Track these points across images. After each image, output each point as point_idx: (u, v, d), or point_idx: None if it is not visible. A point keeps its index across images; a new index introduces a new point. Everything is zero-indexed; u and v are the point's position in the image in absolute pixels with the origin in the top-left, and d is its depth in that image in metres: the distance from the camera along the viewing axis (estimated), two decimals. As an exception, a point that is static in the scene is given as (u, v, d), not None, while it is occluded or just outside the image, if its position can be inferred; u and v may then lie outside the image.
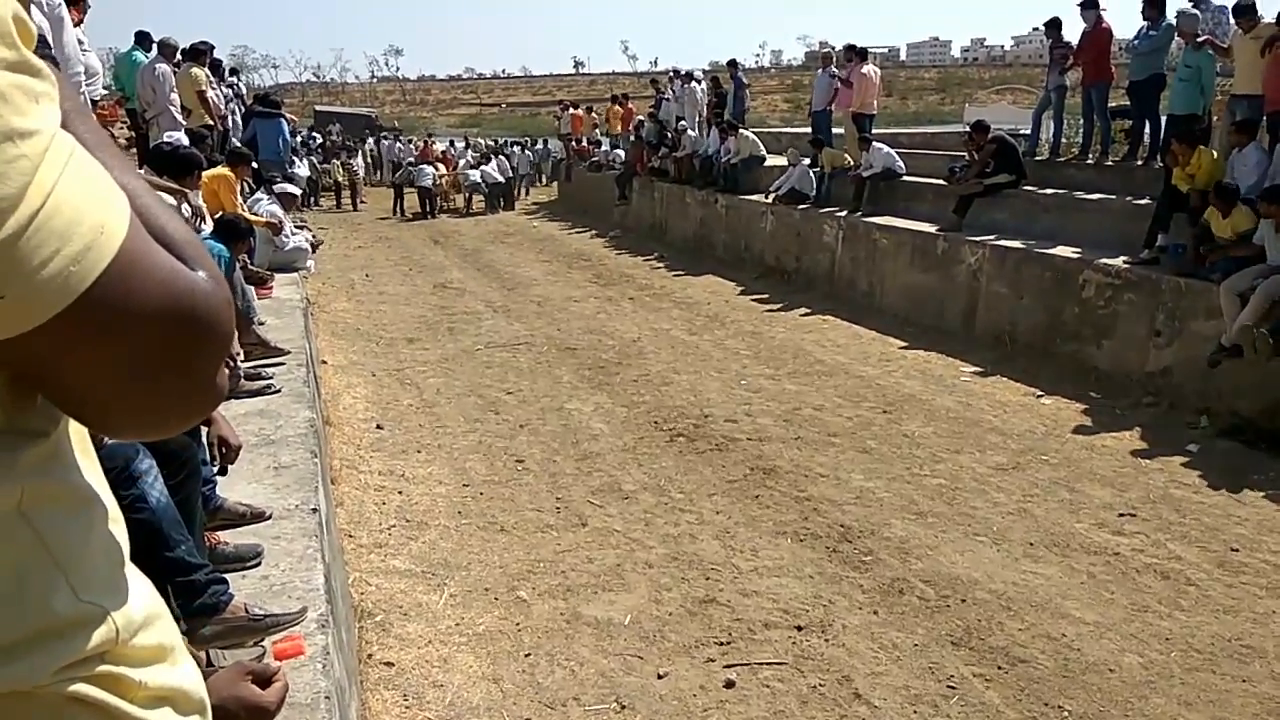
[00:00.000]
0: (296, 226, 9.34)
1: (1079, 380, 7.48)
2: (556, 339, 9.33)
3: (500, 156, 23.21)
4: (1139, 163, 9.42)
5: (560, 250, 15.70)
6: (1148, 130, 9.46)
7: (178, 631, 0.76)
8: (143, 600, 0.71)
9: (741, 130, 14.44)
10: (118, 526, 0.72)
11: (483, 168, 21.78)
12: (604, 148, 20.72)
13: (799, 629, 3.99)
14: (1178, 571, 4.44)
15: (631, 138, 18.48)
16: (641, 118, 19.04)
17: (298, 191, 9.19)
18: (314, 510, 3.27)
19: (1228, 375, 6.41)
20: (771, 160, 14.07)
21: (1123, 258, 7.71)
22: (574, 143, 22.24)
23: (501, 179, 21.78)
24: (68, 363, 0.57)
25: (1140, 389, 7.10)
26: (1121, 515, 5.09)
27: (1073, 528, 4.94)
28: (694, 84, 16.69)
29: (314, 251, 8.90)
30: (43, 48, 0.68)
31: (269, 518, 3.14)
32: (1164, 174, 7.77)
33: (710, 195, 14.49)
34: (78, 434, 0.69)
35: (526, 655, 3.83)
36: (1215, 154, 7.34)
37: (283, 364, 5.14)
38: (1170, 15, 8.80)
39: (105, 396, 0.60)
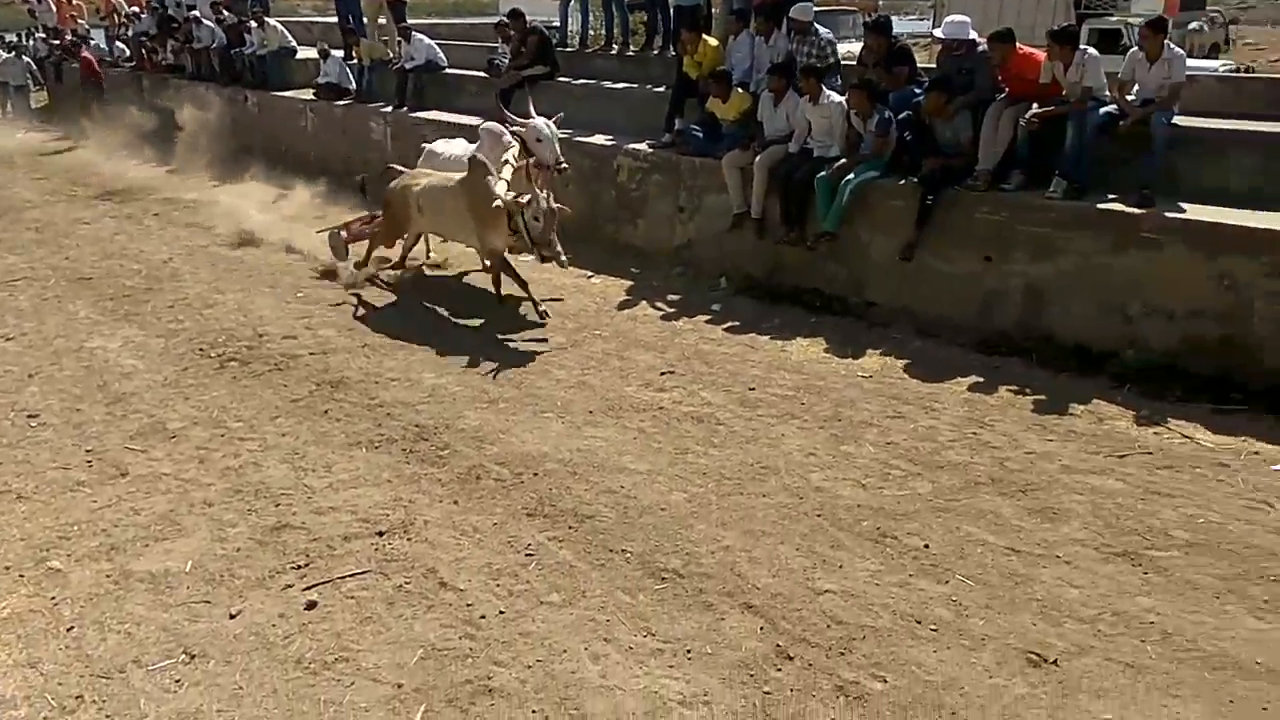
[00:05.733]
0: None
1: (621, 258, 8.08)
2: (65, 269, 8.00)
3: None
4: (654, 52, 10.17)
5: (58, 166, 13.31)
6: (661, 20, 10.21)
7: None
8: None
9: (267, 20, 13.13)
10: None
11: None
12: (97, 43, 17.50)
13: (380, 534, 3.95)
14: (709, 414, 5.09)
15: (126, 31, 15.95)
16: (135, 9, 16.46)
17: None
18: None
19: (738, 242, 7.36)
20: (304, 53, 13.03)
21: (647, 142, 8.38)
22: (59, 38, 18.53)
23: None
24: None
25: (670, 261, 7.89)
26: (663, 374, 5.68)
27: (624, 391, 5.42)
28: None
29: None
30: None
31: None
32: (675, 62, 8.49)
33: (238, 92, 13.10)
34: None
35: (69, 629, 3.38)
36: (716, 42, 8.15)
37: None
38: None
39: None
